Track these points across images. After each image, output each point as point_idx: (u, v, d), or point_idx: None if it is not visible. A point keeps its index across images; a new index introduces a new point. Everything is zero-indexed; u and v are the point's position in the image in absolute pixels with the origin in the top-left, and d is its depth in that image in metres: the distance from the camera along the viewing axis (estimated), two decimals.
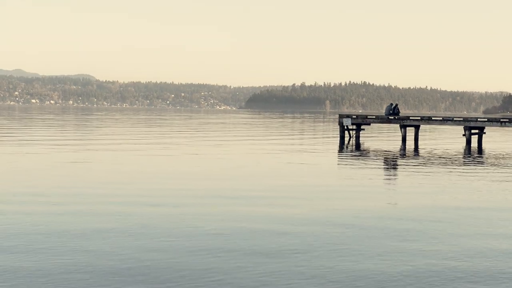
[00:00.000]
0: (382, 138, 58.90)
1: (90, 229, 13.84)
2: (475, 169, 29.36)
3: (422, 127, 56.14)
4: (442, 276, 10.67)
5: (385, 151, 40.71)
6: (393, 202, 18.80)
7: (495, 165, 31.64)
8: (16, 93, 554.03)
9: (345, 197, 19.46)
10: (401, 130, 51.25)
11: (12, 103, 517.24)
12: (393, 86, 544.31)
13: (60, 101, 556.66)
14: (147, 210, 16.34)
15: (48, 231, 13.58)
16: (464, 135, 48.89)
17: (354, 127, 52.33)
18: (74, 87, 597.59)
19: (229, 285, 9.98)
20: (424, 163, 31.60)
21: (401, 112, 58.81)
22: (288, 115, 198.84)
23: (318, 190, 20.74)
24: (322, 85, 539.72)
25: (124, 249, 12.16)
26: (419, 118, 52.09)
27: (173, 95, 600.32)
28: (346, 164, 31.41)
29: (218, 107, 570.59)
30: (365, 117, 53.49)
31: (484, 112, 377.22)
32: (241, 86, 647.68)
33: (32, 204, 16.93)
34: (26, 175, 23.15)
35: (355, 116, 53.25)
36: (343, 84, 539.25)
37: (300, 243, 12.85)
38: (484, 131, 50.79)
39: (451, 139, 58.93)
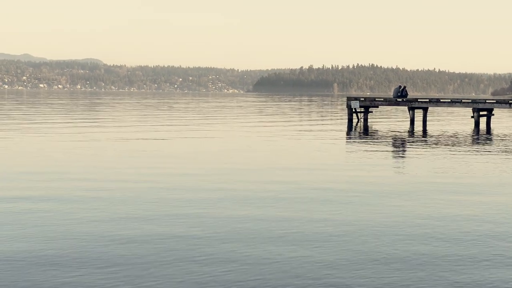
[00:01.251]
0: (390, 120, 58.81)
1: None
2: (484, 151, 29.32)
3: (430, 109, 55.97)
4: None
5: (394, 133, 40.67)
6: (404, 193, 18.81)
7: (504, 146, 31.58)
8: (24, 77, 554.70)
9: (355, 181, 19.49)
10: (409, 113, 51.15)
11: (20, 87, 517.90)
12: (401, 69, 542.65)
13: (68, 86, 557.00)
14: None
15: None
16: (472, 117, 48.77)
17: (362, 109, 52.22)
18: (82, 71, 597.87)
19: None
20: (432, 146, 31.56)
21: (409, 95, 58.61)
22: (296, 98, 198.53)
23: (336, 174, 20.80)
24: (330, 67, 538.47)
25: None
26: (428, 100, 51.95)
27: (181, 79, 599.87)
28: (354, 148, 31.39)
29: (225, 90, 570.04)
30: (373, 99, 53.37)
31: (493, 94, 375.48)
32: (248, 70, 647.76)
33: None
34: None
35: (363, 99, 53.13)
36: (351, 66, 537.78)
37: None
38: (493, 113, 50.67)
39: (459, 121, 58.80)
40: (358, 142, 33.82)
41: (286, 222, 13.09)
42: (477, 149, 29.96)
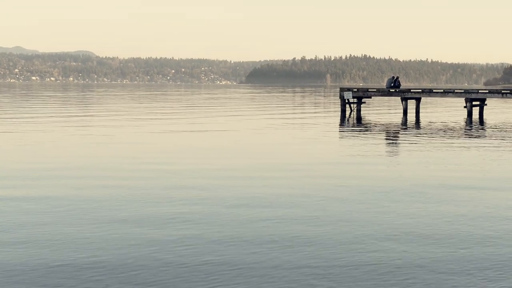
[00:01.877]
0: (383, 111, 58.82)
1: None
2: (477, 140, 29.35)
3: (423, 99, 56.09)
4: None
5: (387, 124, 40.68)
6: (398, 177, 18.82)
7: (496, 136, 31.62)
8: (16, 70, 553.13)
9: (349, 175, 19.49)
10: (402, 103, 51.16)
11: (12, 80, 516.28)
12: (393, 59, 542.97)
13: (61, 78, 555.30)
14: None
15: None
16: (465, 107, 48.81)
17: (355, 100, 52.21)
18: (74, 63, 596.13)
19: None
20: (425, 136, 31.57)
21: (402, 85, 58.63)
22: (289, 89, 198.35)
23: (325, 168, 20.81)
24: (323, 58, 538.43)
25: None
26: (420, 90, 51.96)
27: (173, 71, 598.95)
28: (347, 138, 31.38)
29: (218, 82, 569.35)
30: (366, 90, 53.34)
31: (485, 84, 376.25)
32: (241, 61, 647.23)
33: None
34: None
35: (356, 90, 53.09)
36: (343, 57, 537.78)
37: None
38: (485, 102, 50.73)
39: (452, 111, 58.85)
40: (351, 133, 33.76)
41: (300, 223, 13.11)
42: (469, 139, 29.95)
